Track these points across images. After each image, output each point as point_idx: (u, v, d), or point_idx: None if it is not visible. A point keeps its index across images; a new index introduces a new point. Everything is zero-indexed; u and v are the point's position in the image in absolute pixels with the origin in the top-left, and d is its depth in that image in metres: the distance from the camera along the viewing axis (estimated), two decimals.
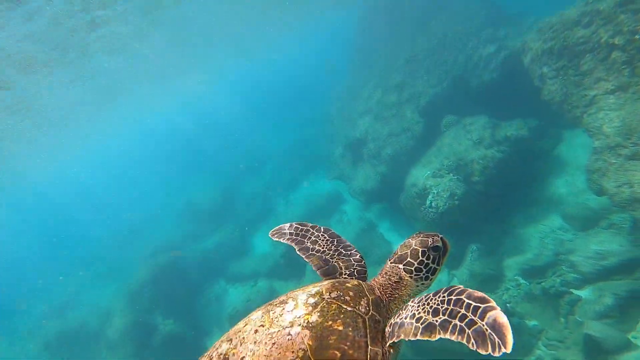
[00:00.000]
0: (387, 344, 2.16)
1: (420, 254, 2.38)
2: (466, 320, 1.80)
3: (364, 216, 14.15)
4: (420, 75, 12.41)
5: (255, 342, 2.11)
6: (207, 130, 40.70)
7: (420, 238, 2.43)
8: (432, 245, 2.38)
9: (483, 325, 1.73)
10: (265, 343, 2.08)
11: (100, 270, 19.85)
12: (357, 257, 2.75)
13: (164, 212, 23.75)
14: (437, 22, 14.04)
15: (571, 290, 7.27)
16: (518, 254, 8.79)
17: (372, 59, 16.85)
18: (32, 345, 14.77)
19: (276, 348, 2.05)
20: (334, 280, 2.47)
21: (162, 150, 41.72)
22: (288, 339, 2.07)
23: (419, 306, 2.06)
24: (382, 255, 11.56)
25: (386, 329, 2.23)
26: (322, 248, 2.82)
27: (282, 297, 2.37)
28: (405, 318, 2.08)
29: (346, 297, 2.26)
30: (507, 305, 7.70)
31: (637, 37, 6.14)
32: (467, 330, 1.76)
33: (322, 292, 2.30)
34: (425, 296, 2.12)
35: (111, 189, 40.03)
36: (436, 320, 1.91)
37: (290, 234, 2.94)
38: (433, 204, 9.07)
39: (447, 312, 1.90)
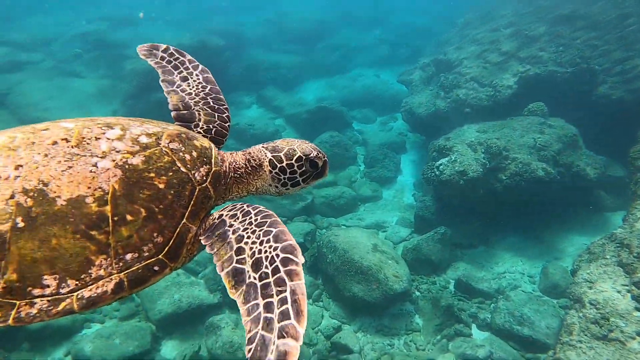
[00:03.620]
0: (204, 237, 1.82)
1: (295, 157, 2.07)
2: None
3: (403, 135, 13.36)
4: (557, 43, 10.13)
5: (46, 155, 1.62)
6: None
7: (306, 144, 2.14)
8: (311, 158, 2.09)
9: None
10: (59, 162, 1.62)
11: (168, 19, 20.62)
12: (225, 115, 2.39)
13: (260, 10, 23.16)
14: None
15: (472, 324, 6.95)
16: (473, 266, 8.27)
17: None
18: None
19: (69, 175, 1.60)
20: (183, 129, 2.03)
21: None
22: (90, 171, 1.62)
23: (245, 232, 1.71)
24: (381, 177, 11.23)
25: (214, 222, 1.86)
26: (190, 89, 2.45)
27: (112, 119, 1.91)
28: (231, 240, 1.71)
29: (186, 156, 1.86)
30: (416, 292, 7.55)
31: None
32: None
33: (161, 135, 1.87)
34: (251, 219, 1.78)
35: None
36: (250, 279, 1.54)
37: (162, 57, 2.55)
38: (440, 167, 8.29)
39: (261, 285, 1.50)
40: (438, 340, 6.69)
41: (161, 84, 2.44)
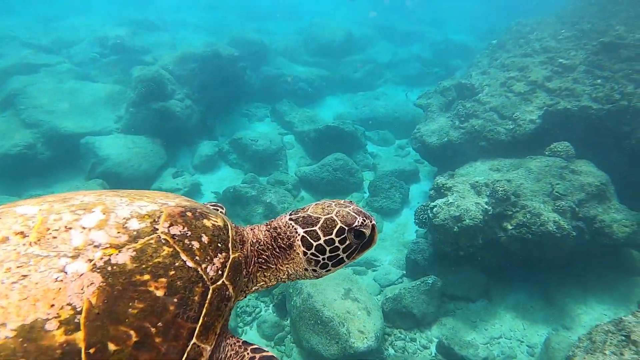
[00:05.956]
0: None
1: (335, 230, 1.54)
2: None
3: (419, 162, 12.29)
4: (595, 75, 8.81)
5: None
6: None
7: (346, 209, 1.60)
8: (356, 228, 1.56)
9: None
10: (9, 269, 1.11)
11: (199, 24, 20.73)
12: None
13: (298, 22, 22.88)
14: None
15: None
16: (464, 324, 7.22)
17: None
18: None
19: (22, 288, 1.08)
20: (188, 203, 1.52)
21: None
22: (55, 279, 1.12)
23: None
24: (384, 208, 10.33)
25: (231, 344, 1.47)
26: None
27: (92, 196, 1.42)
28: None
29: (193, 243, 1.36)
30: (390, 350, 6.63)
31: None
32: None
33: (158, 216, 1.37)
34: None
35: None
36: None
37: None
38: (434, 210, 7.31)
39: None
40: None
41: None
